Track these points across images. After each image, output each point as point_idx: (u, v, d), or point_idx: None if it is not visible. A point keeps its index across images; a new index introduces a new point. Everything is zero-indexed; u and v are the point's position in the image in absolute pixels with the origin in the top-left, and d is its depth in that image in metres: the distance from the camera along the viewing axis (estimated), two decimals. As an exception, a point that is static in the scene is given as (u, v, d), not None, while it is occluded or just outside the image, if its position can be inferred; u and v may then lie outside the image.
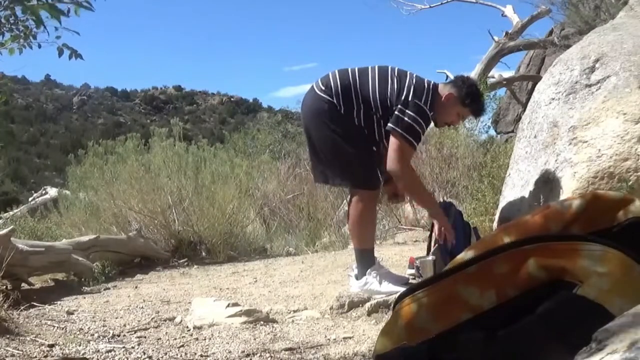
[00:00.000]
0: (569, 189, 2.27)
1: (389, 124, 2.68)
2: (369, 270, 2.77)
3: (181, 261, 4.68)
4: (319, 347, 2.06)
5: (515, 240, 0.70)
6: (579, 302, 0.62)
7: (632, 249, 0.66)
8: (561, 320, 0.62)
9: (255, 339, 2.18)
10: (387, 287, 2.72)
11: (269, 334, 2.27)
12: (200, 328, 2.39)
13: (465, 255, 0.75)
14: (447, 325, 0.70)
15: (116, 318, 2.71)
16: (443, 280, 0.72)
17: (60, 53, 1.78)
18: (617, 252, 0.65)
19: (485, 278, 0.69)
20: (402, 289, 2.91)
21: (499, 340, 0.64)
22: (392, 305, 0.77)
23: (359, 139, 2.74)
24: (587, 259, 0.64)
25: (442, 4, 11.14)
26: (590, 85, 2.45)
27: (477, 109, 2.88)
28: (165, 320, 2.62)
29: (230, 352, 2.04)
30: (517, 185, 2.70)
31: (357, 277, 2.83)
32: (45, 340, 2.21)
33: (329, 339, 2.15)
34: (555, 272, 0.65)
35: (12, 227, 3.50)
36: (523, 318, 0.64)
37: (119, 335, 2.37)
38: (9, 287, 3.06)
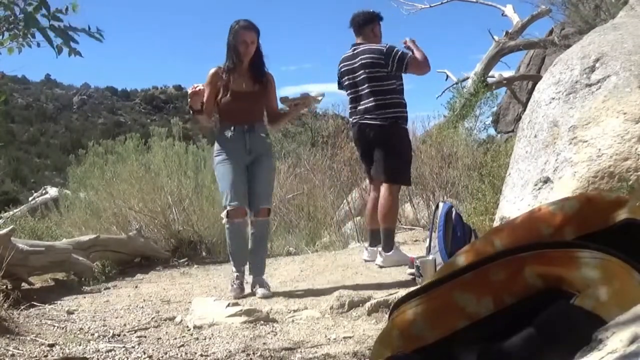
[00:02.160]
0: (569, 188, 2.27)
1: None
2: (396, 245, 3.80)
3: (181, 261, 4.68)
4: (319, 347, 2.06)
5: (513, 247, 0.70)
6: (575, 313, 0.61)
7: (626, 250, 0.65)
8: (558, 331, 0.61)
9: (255, 339, 2.18)
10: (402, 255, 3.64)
11: (269, 333, 2.27)
12: (200, 328, 2.39)
13: (457, 259, 0.74)
14: (443, 332, 0.70)
15: (116, 318, 2.71)
16: (439, 287, 0.72)
17: (59, 51, 1.78)
18: (615, 260, 0.64)
19: (482, 285, 0.68)
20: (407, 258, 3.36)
21: (495, 352, 0.64)
22: (388, 314, 0.77)
23: None
24: (584, 268, 0.63)
25: (442, 3, 11.14)
26: (590, 85, 2.45)
27: None
28: (165, 320, 2.62)
29: (230, 351, 2.04)
30: (518, 184, 2.70)
31: (385, 250, 3.66)
32: (46, 339, 2.21)
33: (329, 339, 2.15)
34: (552, 281, 0.64)
35: (12, 226, 3.49)
36: (520, 327, 0.64)
37: (119, 335, 2.37)
38: (9, 287, 3.06)
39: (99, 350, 2.09)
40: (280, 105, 3.36)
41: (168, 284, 3.73)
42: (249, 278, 3.24)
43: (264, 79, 3.25)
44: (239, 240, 3.19)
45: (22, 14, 1.71)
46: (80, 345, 2.17)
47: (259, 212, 3.18)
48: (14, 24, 1.77)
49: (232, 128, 3.17)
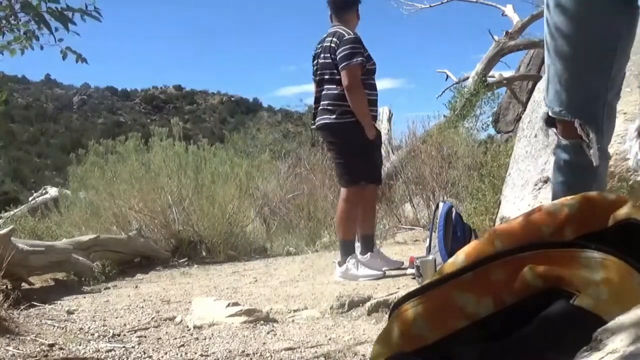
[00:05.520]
0: (569, 188, 2.27)
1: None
2: (348, 258, 3.27)
3: (181, 261, 4.68)
4: (319, 347, 2.06)
5: (513, 247, 0.70)
6: (575, 313, 0.61)
7: (625, 251, 0.65)
8: (558, 331, 0.61)
9: (255, 339, 2.18)
10: (364, 271, 3.22)
11: (269, 333, 2.27)
12: (200, 328, 2.39)
13: (457, 258, 0.74)
14: (443, 333, 0.69)
15: (116, 317, 2.71)
16: (439, 287, 0.72)
17: (65, 56, 1.78)
18: (616, 259, 0.64)
19: (482, 285, 0.68)
20: (378, 273, 3.20)
21: (495, 351, 0.64)
22: (388, 314, 0.76)
23: None
24: (585, 268, 0.63)
25: (442, 3, 11.13)
26: (590, 85, 2.45)
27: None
28: (165, 320, 2.62)
29: (230, 351, 2.04)
30: (518, 184, 2.70)
31: (340, 264, 3.31)
32: (46, 339, 2.21)
33: (329, 339, 2.15)
34: (552, 281, 0.64)
35: (12, 226, 3.49)
36: (520, 327, 0.64)
37: (119, 335, 2.37)
38: (9, 287, 3.07)
39: (99, 350, 2.09)
40: None
41: (168, 284, 3.73)
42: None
43: None
44: None
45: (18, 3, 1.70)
46: (80, 345, 2.17)
47: None
48: (15, 26, 1.78)
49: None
